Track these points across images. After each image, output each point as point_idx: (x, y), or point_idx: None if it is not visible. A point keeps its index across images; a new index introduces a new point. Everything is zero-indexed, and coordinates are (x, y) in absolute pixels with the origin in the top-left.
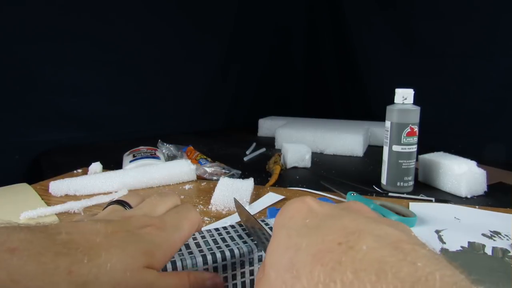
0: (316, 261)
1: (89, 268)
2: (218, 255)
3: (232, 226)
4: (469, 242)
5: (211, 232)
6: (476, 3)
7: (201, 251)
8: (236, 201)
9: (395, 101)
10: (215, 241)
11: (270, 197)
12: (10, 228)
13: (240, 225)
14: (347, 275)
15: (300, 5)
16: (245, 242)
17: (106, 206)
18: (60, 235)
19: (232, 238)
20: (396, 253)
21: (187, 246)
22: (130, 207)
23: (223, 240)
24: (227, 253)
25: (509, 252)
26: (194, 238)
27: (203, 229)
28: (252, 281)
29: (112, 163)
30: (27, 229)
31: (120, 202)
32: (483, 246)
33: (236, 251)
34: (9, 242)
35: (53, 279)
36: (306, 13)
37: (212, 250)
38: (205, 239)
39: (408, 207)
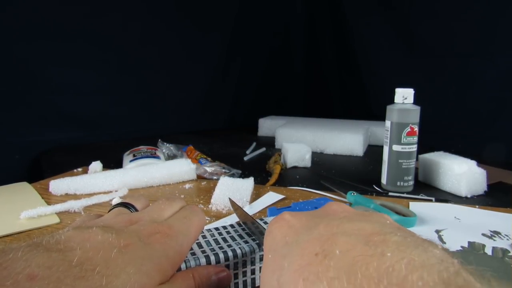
0: (298, 277)
1: None
2: (221, 255)
3: (232, 226)
4: (469, 242)
5: (211, 231)
6: (476, 3)
7: (203, 251)
8: (231, 200)
9: (395, 101)
10: (216, 241)
11: (270, 197)
12: (27, 252)
13: (240, 225)
14: (324, 286)
15: (300, 5)
16: (246, 242)
17: (112, 208)
18: (75, 253)
19: (233, 238)
20: (366, 248)
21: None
22: (136, 210)
23: (224, 240)
24: (230, 253)
25: (509, 252)
26: (197, 240)
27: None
28: (253, 280)
29: (112, 163)
30: (44, 251)
31: (125, 205)
32: (483, 246)
33: (238, 251)
34: (28, 268)
35: None
36: (306, 12)
37: (214, 250)
38: (206, 239)
39: (408, 207)
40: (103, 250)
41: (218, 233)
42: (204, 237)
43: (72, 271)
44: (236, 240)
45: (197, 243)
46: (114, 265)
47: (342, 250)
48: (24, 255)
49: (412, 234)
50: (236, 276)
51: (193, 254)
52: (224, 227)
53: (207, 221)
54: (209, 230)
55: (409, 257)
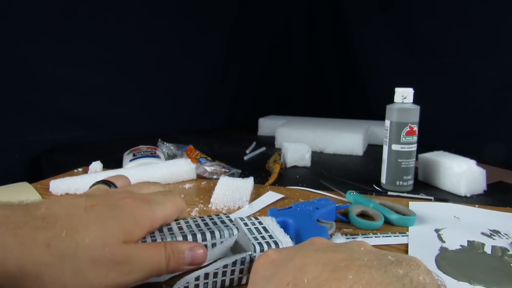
0: None
1: (68, 242)
2: (199, 235)
3: (217, 215)
4: (468, 241)
5: (195, 219)
6: (476, 3)
7: (182, 232)
8: None
9: (395, 100)
10: (197, 225)
11: (270, 196)
12: None
13: (225, 214)
14: None
15: (300, 5)
16: (226, 226)
17: (92, 186)
18: (40, 210)
19: (214, 223)
20: (331, 274)
21: (169, 229)
22: (116, 187)
23: (206, 224)
24: (208, 235)
25: (509, 251)
26: (178, 223)
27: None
28: (232, 280)
29: (112, 162)
30: (7, 206)
31: (106, 182)
32: (483, 245)
33: (216, 233)
34: None
35: (31, 252)
36: (307, 12)
37: (193, 231)
38: (188, 224)
39: (408, 206)
40: (68, 208)
41: (201, 219)
42: (186, 222)
43: (33, 222)
44: (217, 224)
45: (178, 226)
46: (77, 221)
47: (310, 278)
48: None
49: (380, 258)
50: (223, 274)
51: (172, 233)
52: (209, 216)
53: None
54: (193, 217)
55: (369, 278)
